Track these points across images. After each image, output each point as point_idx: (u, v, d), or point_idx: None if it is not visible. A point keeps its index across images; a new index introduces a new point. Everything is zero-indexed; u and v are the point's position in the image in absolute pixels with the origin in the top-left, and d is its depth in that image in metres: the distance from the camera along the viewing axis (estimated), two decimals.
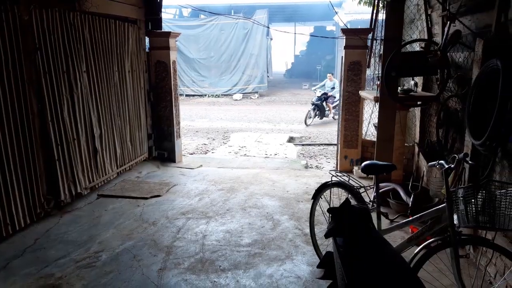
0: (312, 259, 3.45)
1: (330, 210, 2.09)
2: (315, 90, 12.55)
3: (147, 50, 6.58)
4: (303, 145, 9.17)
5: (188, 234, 3.97)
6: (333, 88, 12.40)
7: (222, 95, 18.51)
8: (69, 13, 4.54)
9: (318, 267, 2.36)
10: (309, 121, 11.50)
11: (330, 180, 3.20)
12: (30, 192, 4.00)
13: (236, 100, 17.72)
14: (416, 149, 5.29)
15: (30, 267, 3.29)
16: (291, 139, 9.65)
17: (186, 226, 4.16)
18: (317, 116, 11.87)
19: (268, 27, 16.10)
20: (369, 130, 7.07)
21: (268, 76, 20.52)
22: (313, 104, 11.93)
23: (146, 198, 4.95)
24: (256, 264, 3.40)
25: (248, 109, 14.92)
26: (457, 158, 2.29)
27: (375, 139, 5.05)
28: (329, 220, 2.57)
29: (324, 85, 12.63)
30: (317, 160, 7.66)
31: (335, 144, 7.81)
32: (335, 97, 11.96)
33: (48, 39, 4.24)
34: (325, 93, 12.06)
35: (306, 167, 6.86)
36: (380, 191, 4.83)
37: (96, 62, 5.08)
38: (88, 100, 4.91)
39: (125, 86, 5.82)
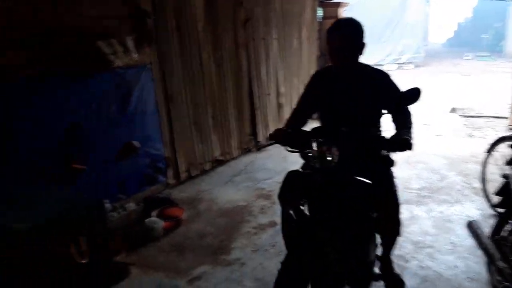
0: (481, 206, 3.76)
1: None
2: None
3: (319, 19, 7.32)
4: (466, 116, 8.82)
5: None
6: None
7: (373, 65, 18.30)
8: None
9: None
10: None
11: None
12: (240, 132, 5.25)
13: (389, 70, 17.33)
14: None
15: (247, 182, 4.49)
16: (453, 109, 9.35)
17: None
18: None
19: None
20: None
21: (425, 45, 19.31)
22: None
23: None
24: (427, 203, 3.90)
25: (404, 78, 14.59)
26: None
27: None
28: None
29: None
30: (482, 132, 7.38)
31: (505, 117, 7.42)
32: None
33: (254, 11, 5.30)
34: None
35: (470, 136, 6.78)
36: None
37: (282, 30, 6.03)
38: (276, 63, 5.92)
39: (300, 52, 6.69)
